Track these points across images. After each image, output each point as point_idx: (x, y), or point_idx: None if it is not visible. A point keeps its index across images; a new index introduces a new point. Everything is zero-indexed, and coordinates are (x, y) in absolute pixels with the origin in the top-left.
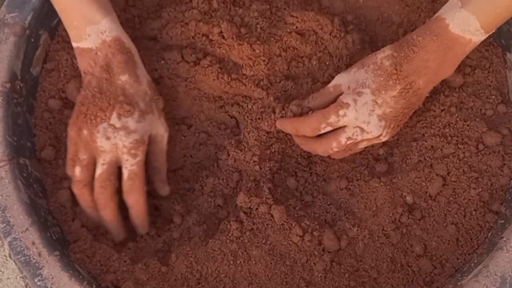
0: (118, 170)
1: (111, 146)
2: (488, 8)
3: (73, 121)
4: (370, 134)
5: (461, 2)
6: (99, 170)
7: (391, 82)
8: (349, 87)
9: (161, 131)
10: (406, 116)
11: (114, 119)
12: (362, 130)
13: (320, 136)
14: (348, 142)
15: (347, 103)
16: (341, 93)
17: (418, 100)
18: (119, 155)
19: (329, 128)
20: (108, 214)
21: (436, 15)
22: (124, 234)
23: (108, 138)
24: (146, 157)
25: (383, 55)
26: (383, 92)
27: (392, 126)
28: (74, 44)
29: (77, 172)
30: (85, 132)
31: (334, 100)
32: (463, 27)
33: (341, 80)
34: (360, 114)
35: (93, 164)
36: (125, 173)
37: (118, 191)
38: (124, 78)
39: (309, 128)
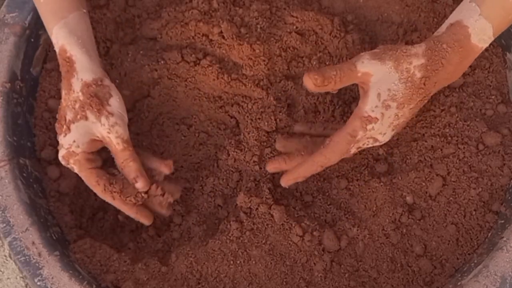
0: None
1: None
2: (502, 14)
3: None
4: (380, 142)
5: (479, 7)
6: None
7: (415, 96)
8: (379, 94)
9: (103, 132)
10: (410, 119)
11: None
12: (375, 140)
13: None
14: (356, 151)
15: (376, 118)
16: (366, 82)
17: (424, 103)
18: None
19: (355, 150)
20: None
21: (457, 18)
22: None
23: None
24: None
25: (417, 64)
26: (405, 105)
27: (397, 130)
28: None
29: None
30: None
31: (354, 82)
32: (480, 36)
33: (372, 69)
34: (383, 127)
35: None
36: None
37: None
38: (63, 94)
39: (338, 155)
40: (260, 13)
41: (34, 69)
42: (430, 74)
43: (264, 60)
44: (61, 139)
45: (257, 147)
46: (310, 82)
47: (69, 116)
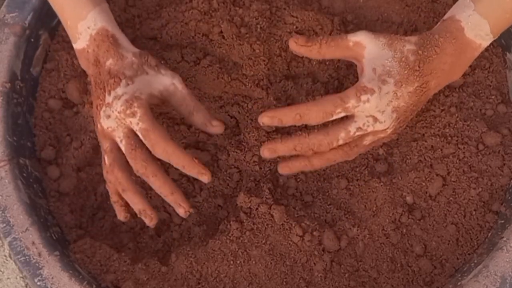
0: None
1: (115, 122)
2: (499, 12)
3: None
4: (382, 124)
5: (473, 3)
6: (122, 149)
7: (412, 77)
8: (374, 68)
9: (167, 81)
10: (412, 114)
11: (107, 98)
12: (375, 120)
13: (322, 126)
14: (357, 133)
15: (372, 89)
16: (359, 57)
17: (425, 100)
18: (126, 124)
19: (342, 114)
20: (155, 179)
21: (450, 14)
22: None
23: (108, 117)
24: (178, 112)
25: (410, 48)
26: (403, 85)
27: (399, 120)
28: (74, 46)
29: (104, 160)
30: (98, 126)
31: (346, 55)
32: (475, 32)
33: (365, 41)
34: (381, 103)
35: (117, 148)
36: (139, 135)
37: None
38: (108, 62)
39: (321, 112)
40: (260, 13)
41: (34, 69)
42: (424, 59)
43: (264, 60)
44: (119, 91)
45: (257, 147)
46: (292, 42)
47: (129, 73)
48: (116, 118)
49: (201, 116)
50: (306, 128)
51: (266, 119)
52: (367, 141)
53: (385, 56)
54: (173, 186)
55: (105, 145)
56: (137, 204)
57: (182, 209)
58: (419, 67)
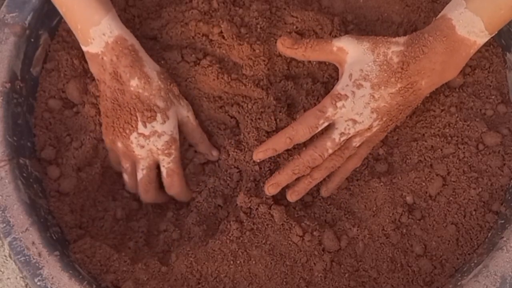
0: (157, 168)
1: (147, 152)
2: (491, 8)
3: (104, 132)
4: (361, 124)
5: (465, 1)
6: (139, 175)
7: (393, 79)
8: (351, 74)
9: (184, 113)
10: (402, 112)
11: (141, 128)
12: (355, 122)
13: (309, 142)
14: (341, 139)
15: (345, 95)
16: (341, 62)
17: (416, 99)
18: (156, 157)
19: (326, 124)
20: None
21: (441, 14)
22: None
23: (142, 147)
24: (182, 138)
25: (395, 49)
26: (382, 87)
27: (384, 119)
28: (83, 48)
29: (126, 179)
30: (119, 144)
31: (329, 58)
32: (468, 29)
33: (348, 47)
34: (356, 106)
35: (135, 169)
36: (164, 171)
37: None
38: (134, 83)
39: (306, 128)
40: (260, 13)
41: (34, 69)
42: (409, 60)
43: (264, 60)
44: (156, 126)
45: (257, 147)
46: (279, 43)
47: (161, 104)
48: (150, 151)
49: (204, 147)
50: (293, 148)
51: (261, 155)
52: (356, 142)
53: (366, 61)
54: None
55: (125, 165)
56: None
57: None
58: (402, 68)
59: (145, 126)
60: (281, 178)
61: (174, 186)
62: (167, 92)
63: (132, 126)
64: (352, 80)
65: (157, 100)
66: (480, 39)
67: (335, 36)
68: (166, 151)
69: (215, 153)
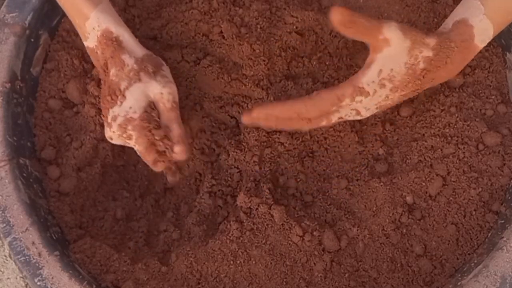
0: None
1: (119, 140)
2: (502, 14)
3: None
4: (361, 116)
5: (483, 6)
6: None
7: (411, 84)
8: (381, 70)
9: (156, 89)
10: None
11: (109, 117)
12: (358, 113)
13: None
14: (337, 121)
15: (368, 92)
16: (377, 50)
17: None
18: (127, 142)
19: (336, 109)
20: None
21: (463, 17)
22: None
23: (111, 139)
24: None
25: (425, 55)
26: (399, 90)
27: (380, 109)
28: (84, 43)
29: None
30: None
31: (369, 41)
32: (482, 37)
33: (393, 41)
34: (370, 103)
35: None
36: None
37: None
38: (112, 72)
39: (318, 111)
40: (260, 13)
41: (34, 69)
42: (432, 69)
43: (264, 60)
44: (115, 110)
45: (257, 147)
46: (338, 16)
47: (123, 84)
48: (119, 138)
49: (175, 134)
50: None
51: (261, 117)
52: (344, 120)
53: (399, 61)
54: None
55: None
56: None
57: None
58: (423, 76)
59: (109, 114)
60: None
61: (147, 164)
62: (137, 72)
63: (105, 117)
64: (380, 77)
65: (121, 81)
66: (484, 44)
67: (335, 36)
68: (124, 135)
69: (177, 148)
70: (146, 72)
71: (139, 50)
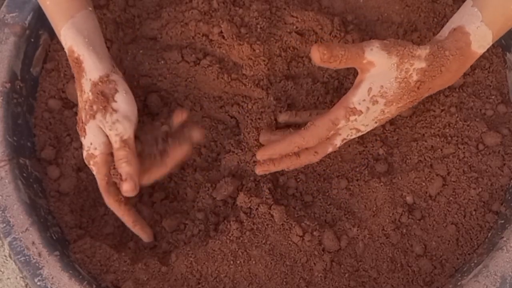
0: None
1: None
2: (502, 21)
3: None
4: (362, 132)
5: (481, 12)
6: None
7: (406, 96)
8: (370, 88)
9: (105, 129)
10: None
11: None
12: (358, 131)
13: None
14: (342, 143)
15: (360, 111)
16: (364, 71)
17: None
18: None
19: (334, 133)
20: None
21: (459, 24)
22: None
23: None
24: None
25: (418, 67)
26: (394, 104)
27: (380, 123)
28: None
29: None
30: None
31: (355, 66)
32: (480, 43)
33: (378, 61)
34: (366, 119)
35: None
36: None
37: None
38: (79, 96)
39: (316, 139)
40: (260, 13)
41: (34, 69)
42: (426, 80)
43: (264, 60)
44: (83, 141)
45: (257, 147)
46: (317, 55)
47: (84, 117)
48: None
49: (122, 172)
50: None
51: (266, 157)
52: (347, 140)
53: (389, 77)
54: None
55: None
56: None
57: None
58: (418, 88)
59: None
60: (282, 147)
61: (104, 200)
62: (92, 104)
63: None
64: (370, 95)
65: (82, 113)
66: (483, 50)
67: (335, 36)
68: (89, 166)
69: (124, 186)
70: (98, 106)
71: (95, 72)
